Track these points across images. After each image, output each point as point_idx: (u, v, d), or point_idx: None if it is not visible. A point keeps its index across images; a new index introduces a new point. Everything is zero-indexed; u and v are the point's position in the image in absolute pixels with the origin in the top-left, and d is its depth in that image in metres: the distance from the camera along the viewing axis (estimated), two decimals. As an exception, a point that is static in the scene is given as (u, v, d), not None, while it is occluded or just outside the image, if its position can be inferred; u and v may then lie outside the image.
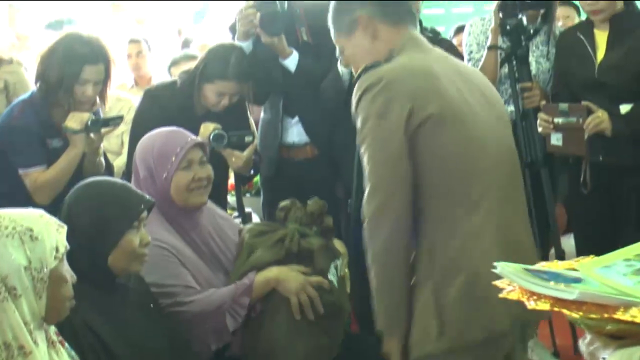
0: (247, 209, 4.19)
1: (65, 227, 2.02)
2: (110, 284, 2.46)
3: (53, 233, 1.97)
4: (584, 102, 3.61)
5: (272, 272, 2.82)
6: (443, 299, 2.24)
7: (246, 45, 3.78)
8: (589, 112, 3.58)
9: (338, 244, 3.02)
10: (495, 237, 2.25)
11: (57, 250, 1.96)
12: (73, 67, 3.45)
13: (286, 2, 3.82)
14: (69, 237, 2.09)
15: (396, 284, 2.31)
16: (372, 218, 2.28)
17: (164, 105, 3.67)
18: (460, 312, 2.23)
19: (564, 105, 3.62)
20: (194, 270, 2.83)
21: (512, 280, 1.43)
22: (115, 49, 5.68)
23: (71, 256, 2.16)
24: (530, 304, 1.36)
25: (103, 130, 3.54)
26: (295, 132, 3.99)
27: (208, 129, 3.56)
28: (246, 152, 3.62)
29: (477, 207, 2.24)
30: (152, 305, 2.60)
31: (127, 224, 2.43)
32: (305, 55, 3.84)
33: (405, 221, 2.27)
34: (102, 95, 3.61)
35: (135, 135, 3.63)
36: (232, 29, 3.90)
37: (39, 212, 2.01)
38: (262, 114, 4.16)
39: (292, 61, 3.83)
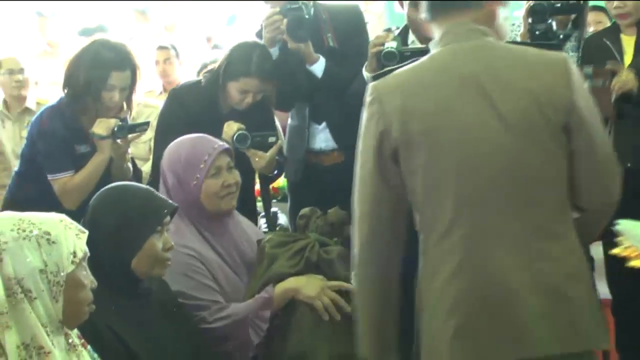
0: (274, 209, 4.18)
1: (86, 233, 2.03)
2: (134, 288, 2.47)
3: (71, 238, 1.98)
4: (608, 64, 3.55)
5: (290, 282, 2.82)
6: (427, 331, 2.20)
7: (273, 52, 3.79)
8: (613, 74, 3.51)
9: None
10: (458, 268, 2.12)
11: (74, 254, 1.97)
12: (100, 73, 3.48)
13: (312, 7, 3.81)
14: (93, 241, 2.10)
15: (364, 309, 2.29)
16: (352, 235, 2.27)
17: (188, 105, 3.69)
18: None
19: (588, 69, 3.53)
20: (221, 278, 2.83)
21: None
22: (144, 56, 5.74)
23: (95, 260, 2.17)
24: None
25: (130, 136, 3.57)
26: (322, 138, 3.98)
27: (232, 128, 3.56)
28: (269, 153, 3.60)
29: (448, 234, 2.13)
30: (175, 309, 2.61)
31: (150, 228, 2.45)
32: (331, 60, 3.84)
33: (372, 245, 2.22)
34: (129, 101, 3.64)
35: (161, 136, 3.67)
36: (259, 35, 3.90)
37: (60, 217, 2.02)
38: (289, 120, 4.17)
39: (318, 67, 3.83)
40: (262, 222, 4.01)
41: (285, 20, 3.72)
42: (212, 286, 2.78)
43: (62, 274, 1.94)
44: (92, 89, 3.49)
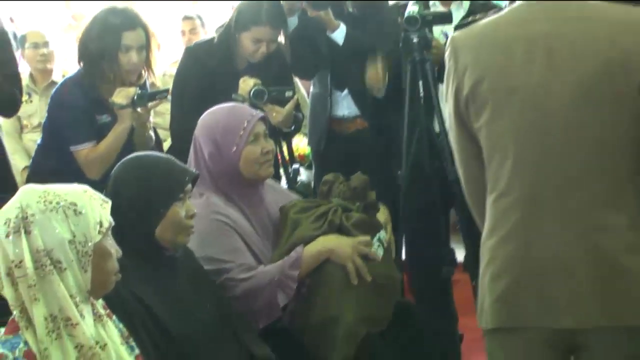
0: (296, 165, 4.18)
1: (110, 203, 2.04)
2: (159, 257, 2.48)
3: (97, 208, 1.99)
4: None
5: (321, 242, 2.81)
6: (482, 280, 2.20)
7: (292, 20, 3.77)
8: None
9: (382, 210, 3.00)
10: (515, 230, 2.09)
11: (101, 224, 1.97)
12: (112, 36, 3.48)
13: (331, -26, 3.79)
14: (116, 211, 2.10)
15: None
16: None
17: (204, 62, 3.70)
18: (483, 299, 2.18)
19: None
20: (253, 245, 2.84)
21: None
22: (170, 26, 5.74)
23: (119, 229, 2.17)
24: None
25: (150, 104, 3.55)
26: (345, 105, 3.99)
27: (248, 84, 3.56)
28: (287, 107, 3.61)
29: (506, 194, 2.10)
30: (200, 276, 2.61)
31: (172, 196, 2.45)
32: (351, 26, 3.81)
33: (470, 188, 2.27)
34: (149, 63, 3.63)
35: (177, 94, 3.70)
36: None
37: (84, 188, 2.02)
38: (311, 88, 4.17)
39: (339, 34, 3.82)
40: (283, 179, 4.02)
41: None
42: (242, 249, 2.78)
43: (89, 244, 1.95)
44: (106, 54, 3.49)
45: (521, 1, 2.12)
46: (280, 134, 3.83)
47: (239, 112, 2.95)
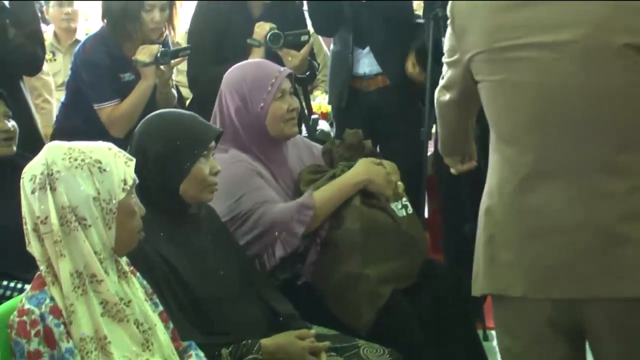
0: (315, 115, 4.17)
1: (134, 161, 2.03)
2: (182, 214, 2.48)
3: (121, 165, 1.98)
4: None
5: (361, 170, 2.82)
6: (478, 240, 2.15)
7: None
8: None
9: (388, 165, 2.96)
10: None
11: (125, 182, 1.97)
12: None
13: None
14: (140, 168, 2.11)
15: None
16: None
17: (219, 9, 3.69)
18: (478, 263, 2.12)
19: None
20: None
21: None
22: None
23: (144, 186, 2.20)
24: None
25: (173, 61, 3.56)
26: (366, 63, 3.96)
27: (264, 28, 3.56)
28: (302, 51, 3.61)
29: (515, 153, 2.04)
30: (224, 236, 2.62)
31: (197, 153, 2.45)
32: None
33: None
34: (171, 21, 3.63)
35: (194, 41, 3.68)
36: None
37: (109, 145, 2.02)
38: (331, 46, 4.15)
39: None
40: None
41: None
42: (267, 187, 2.79)
43: (114, 201, 1.95)
44: (129, 13, 3.49)
45: None
46: (296, 80, 3.85)
47: (267, 67, 2.93)
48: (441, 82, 2.26)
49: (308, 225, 2.71)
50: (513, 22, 2.00)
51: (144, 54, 3.49)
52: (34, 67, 3.82)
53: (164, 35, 3.66)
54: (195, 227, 2.52)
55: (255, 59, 3.43)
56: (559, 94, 1.96)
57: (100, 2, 3.62)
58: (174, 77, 3.72)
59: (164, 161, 2.41)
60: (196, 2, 3.88)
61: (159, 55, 3.49)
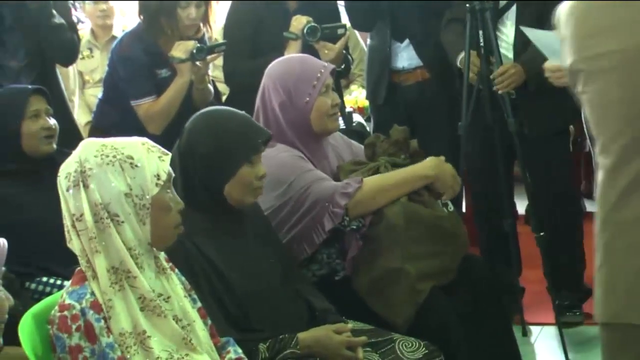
0: (349, 109, 4.16)
1: (169, 155, 2.02)
2: (226, 212, 2.46)
3: (154, 160, 1.97)
4: None
5: (431, 166, 2.80)
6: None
7: None
8: None
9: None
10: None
11: (158, 177, 1.96)
12: None
13: None
14: (187, 164, 2.11)
15: None
16: None
17: (254, 4, 3.71)
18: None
19: None
20: None
21: None
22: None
23: (189, 182, 2.22)
24: None
25: (209, 57, 3.57)
26: (405, 57, 3.95)
27: (301, 22, 3.59)
28: (338, 44, 3.63)
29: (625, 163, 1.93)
30: (267, 232, 2.61)
31: (245, 156, 2.42)
32: None
33: None
34: (206, 18, 3.64)
35: (230, 35, 3.71)
36: None
37: (142, 140, 2.02)
38: (368, 40, 4.14)
39: None
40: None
41: None
42: (314, 168, 2.79)
43: (147, 196, 1.94)
44: (165, 8, 3.50)
45: None
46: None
47: (312, 62, 2.93)
48: None
49: (357, 203, 2.69)
50: (604, 26, 1.92)
51: (180, 50, 3.50)
52: (72, 54, 3.88)
53: (201, 31, 3.67)
54: (240, 224, 2.51)
55: (292, 52, 3.44)
56: None
57: None
58: (210, 72, 3.73)
59: (211, 161, 2.39)
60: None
61: (194, 51, 3.50)
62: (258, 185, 2.46)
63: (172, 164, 2.11)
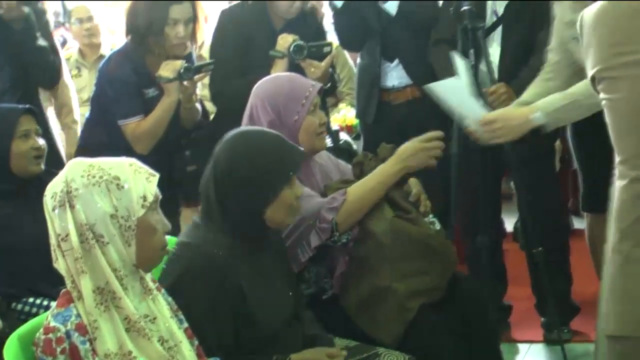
0: (335, 127, 4.18)
1: (157, 176, 2.02)
2: (261, 238, 2.44)
3: (141, 182, 1.98)
4: None
5: (398, 159, 2.81)
6: None
7: None
8: None
9: (412, 180, 2.96)
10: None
11: (145, 198, 1.97)
12: (160, 10, 3.51)
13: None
14: (221, 188, 2.13)
15: None
16: None
17: (240, 23, 3.74)
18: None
19: None
20: None
21: None
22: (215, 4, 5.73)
23: (225, 207, 2.25)
24: None
25: (196, 77, 3.58)
26: (395, 76, 3.99)
27: (287, 40, 3.61)
28: (324, 62, 3.65)
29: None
30: (284, 257, 2.60)
31: (285, 177, 2.41)
32: None
33: None
34: (194, 36, 3.65)
35: (216, 55, 3.72)
36: None
37: (130, 161, 2.02)
38: (358, 60, 4.18)
39: (392, 4, 3.83)
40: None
41: None
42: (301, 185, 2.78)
43: (132, 218, 1.95)
44: (154, 27, 3.51)
45: None
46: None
47: (301, 81, 2.95)
48: None
49: (346, 215, 2.70)
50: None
51: (167, 69, 3.51)
52: (55, 76, 3.93)
53: (189, 50, 3.68)
54: (266, 250, 2.48)
55: (279, 70, 3.46)
56: None
57: (126, 16, 3.64)
58: (198, 91, 3.74)
59: (251, 185, 2.36)
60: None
61: (182, 70, 3.51)
62: (297, 205, 2.46)
63: (204, 189, 2.11)
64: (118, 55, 3.63)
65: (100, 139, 3.62)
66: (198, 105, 3.72)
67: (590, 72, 1.97)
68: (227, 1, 4.93)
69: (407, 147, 2.83)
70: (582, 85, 2.85)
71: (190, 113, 3.61)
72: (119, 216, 1.94)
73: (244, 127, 2.74)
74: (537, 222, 3.66)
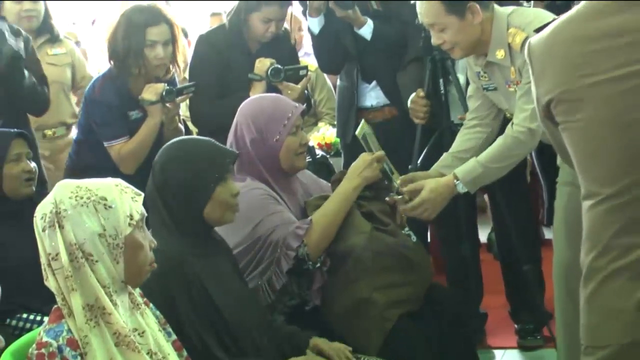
0: (311, 143, 4.26)
1: (142, 195, 2.08)
2: (207, 237, 2.58)
3: (127, 201, 2.03)
4: None
5: (350, 179, 2.92)
6: None
7: (318, 20, 3.89)
8: None
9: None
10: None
11: (131, 217, 2.01)
12: (137, 34, 3.59)
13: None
14: (165, 195, 2.23)
15: None
16: None
17: (218, 48, 3.84)
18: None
19: None
20: None
21: None
22: (199, 23, 5.82)
23: (171, 213, 2.38)
24: None
25: (178, 98, 3.67)
26: (373, 96, 4.08)
27: (265, 64, 3.73)
28: (300, 85, 3.78)
29: (615, 196, 1.93)
30: (236, 262, 2.72)
31: (218, 176, 2.53)
32: (377, 21, 3.91)
33: None
34: (174, 58, 3.72)
35: (195, 78, 3.81)
36: (303, 3, 4.00)
37: (115, 182, 2.07)
38: (338, 82, 4.28)
39: (367, 30, 3.92)
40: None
41: None
42: (282, 210, 2.89)
43: (120, 236, 1.99)
44: (133, 50, 3.59)
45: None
46: None
47: (284, 103, 3.04)
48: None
49: (316, 243, 2.78)
50: (599, 53, 1.91)
51: (150, 92, 3.59)
52: (43, 107, 3.97)
53: (171, 72, 3.76)
54: (218, 252, 2.62)
55: (257, 92, 3.55)
56: None
57: (107, 42, 3.72)
58: (180, 112, 3.81)
59: (187, 187, 2.50)
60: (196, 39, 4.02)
61: (164, 93, 3.58)
62: (234, 202, 2.57)
63: (150, 199, 2.21)
64: (102, 79, 3.71)
65: (88, 160, 3.70)
66: (181, 126, 3.79)
67: (546, 97, 1.98)
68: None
69: (358, 162, 2.95)
70: (494, 150, 3.10)
71: (174, 133, 3.66)
72: (107, 235, 1.98)
73: (180, 137, 2.86)
74: (511, 232, 3.77)
